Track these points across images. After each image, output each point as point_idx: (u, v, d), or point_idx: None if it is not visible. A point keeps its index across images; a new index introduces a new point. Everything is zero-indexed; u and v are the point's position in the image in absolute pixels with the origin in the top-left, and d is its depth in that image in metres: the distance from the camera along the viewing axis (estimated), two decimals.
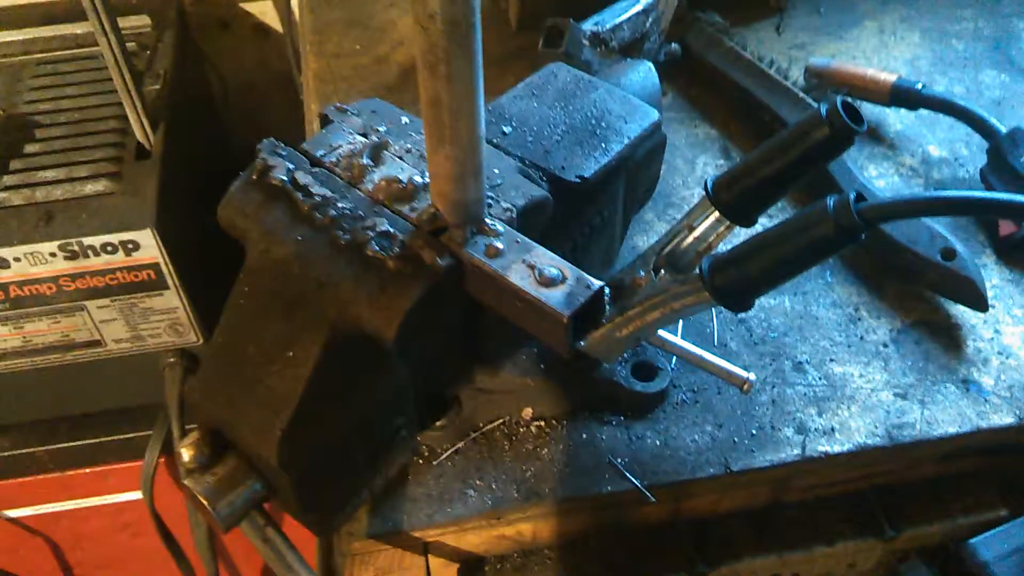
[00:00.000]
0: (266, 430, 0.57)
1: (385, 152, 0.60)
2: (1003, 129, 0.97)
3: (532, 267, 0.55)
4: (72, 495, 1.43)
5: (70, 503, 1.45)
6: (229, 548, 1.55)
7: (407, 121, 0.64)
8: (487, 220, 0.56)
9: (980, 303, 0.84)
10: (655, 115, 0.75)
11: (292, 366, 0.57)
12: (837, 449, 0.78)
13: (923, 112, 1.03)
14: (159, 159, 1.21)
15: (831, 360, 0.84)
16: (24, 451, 1.36)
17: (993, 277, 0.90)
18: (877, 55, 1.15)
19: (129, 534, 1.50)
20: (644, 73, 0.81)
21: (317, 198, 0.57)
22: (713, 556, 0.80)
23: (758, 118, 1.04)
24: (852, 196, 0.57)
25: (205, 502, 0.58)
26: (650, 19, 1.03)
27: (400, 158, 0.60)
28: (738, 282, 0.62)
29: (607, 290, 0.59)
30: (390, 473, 0.68)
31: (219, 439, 0.61)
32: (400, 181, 0.58)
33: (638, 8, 1.00)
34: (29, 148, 1.21)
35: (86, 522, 1.47)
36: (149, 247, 1.16)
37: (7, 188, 1.16)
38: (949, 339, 0.85)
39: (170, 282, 1.20)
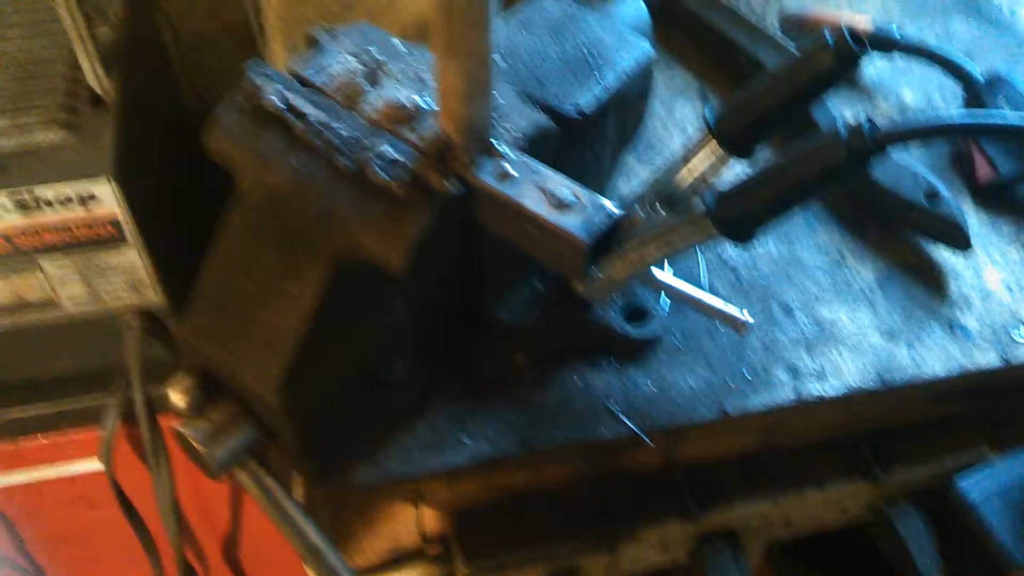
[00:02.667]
0: (265, 369, 0.54)
1: (381, 74, 0.57)
2: (980, 75, 0.97)
3: (545, 191, 0.53)
4: (24, 464, 1.37)
5: (22, 474, 1.39)
6: (192, 519, 1.51)
7: (401, 45, 0.61)
8: (496, 143, 0.54)
9: (964, 242, 0.85)
10: (649, 49, 0.74)
11: (292, 300, 0.54)
12: (829, 392, 0.77)
13: (897, 59, 1.04)
14: (115, 107, 1.15)
15: (819, 304, 0.84)
16: None
17: (972, 220, 0.90)
18: (848, 1, 1.15)
19: (86, 505, 1.45)
20: (635, 6, 0.79)
21: (314, 122, 0.54)
22: (706, 501, 0.80)
23: (735, 63, 1.03)
24: (865, 121, 0.56)
25: (200, 448, 0.55)
26: None
27: (398, 81, 0.57)
28: (744, 212, 0.61)
29: None
30: (389, 418, 0.66)
31: (211, 382, 0.58)
32: (402, 104, 0.55)
33: None
34: None
35: (40, 494, 1.41)
36: (107, 199, 1.11)
37: None
38: (933, 281, 0.86)
39: (130, 237, 1.15)
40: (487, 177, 0.53)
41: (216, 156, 0.56)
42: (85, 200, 1.10)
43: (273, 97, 0.55)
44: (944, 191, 0.86)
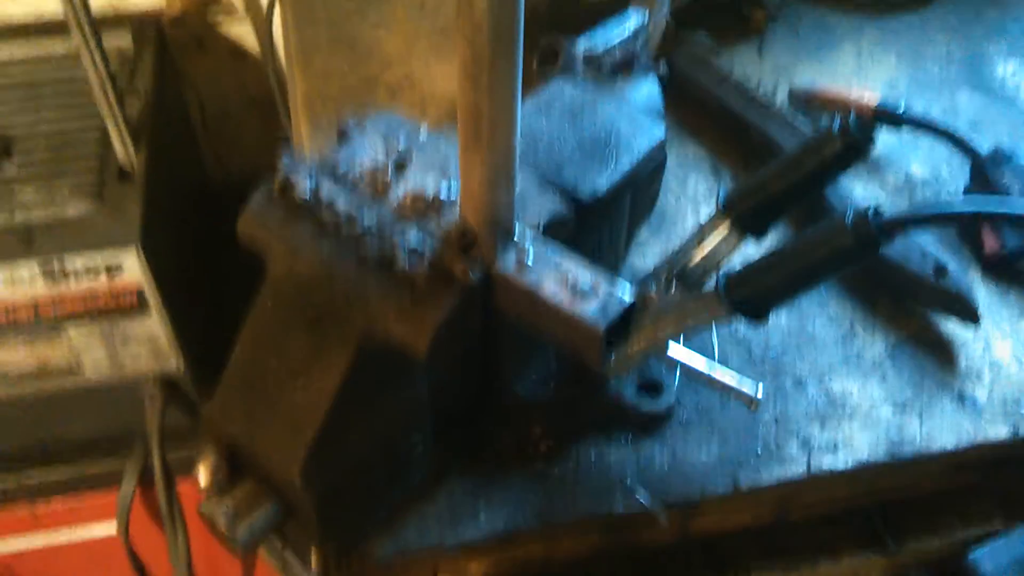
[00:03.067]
0: (289, 448, 0.56)
1: (408, 167, 0.60)
2: (983, 150, 1.00)
3: (563, 279, 0.55)
4: (42, 528, 1.38)
5: (39, 537, 1.40)
6: None
7: (425, 136, 0.64)
8: (516, 232, 0.56)
9: (971, 316, 0.86)
10: (661, 133, 0.76)
11: (318, 380, 0.56)
12: (841, 465, 0.78)
13: (904, 132, 1.06)
14: (142, 180, 1.19)
15: (830, 377, 0.85)
16: None
17: (981, 293, 0.92)
18: (856, 77, 1.18)
19: (100, 570, 1.45)
20: (648, 89, 0.82)
21: (342, 213, 0.56)
22: (722, 573, 0.80)
23: (746, 138, 1.06)
24: (871, 209, 0.58)
25: (224, 527, 0.57)
26: (640, 40, 1.05)
27: (422, 169, 0.60)
28: (756, 294, 0.62)
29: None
30: (406, 492, 0.67)
31: (234, 459, 0.60)
32: (426, 195, 0.57)
33: (630, 30, 1.01)
34: (7, 169, 1.18)
35: (56, 558, 1.42)
36: (132, 269, 1.14)
37: None
38: (943, 354, 0.87)
39: (153, 306, 1.17)
40: (507, 265, 0.55)
41: (249, 243, 0.58)
42: (111, 270, 1.13)
43: (305, 188, 0.57)
44: (952, 266, 0.88)
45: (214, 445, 0.59)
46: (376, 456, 0.62)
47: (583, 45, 0.95)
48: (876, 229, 0.57)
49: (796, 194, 0.68)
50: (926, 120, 1.03)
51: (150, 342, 1.21)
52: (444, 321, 0.53)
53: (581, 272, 0.56)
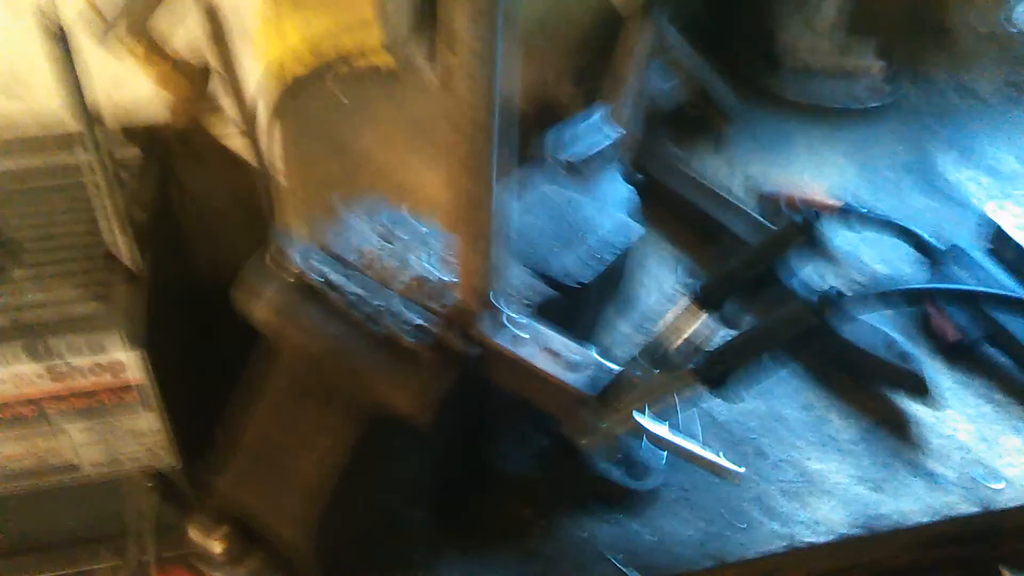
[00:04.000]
0: (300, 517, 0.60)
1: (410, 255, 0.66)
2: (940, 245, 1.07)
3: (555, 353, 0.60)
4: None
5: None
6: None
7: (424, 228, 0.70)
8: (510, 312, 0.62)
9: (923, 390, 0.92)
10: (639, 230, 0.83)
11: (328, 453, 0.60)
12: (821, 540, 0.82)
13: (865, 232, 1.14)
14: (146, 282, 1.24)
15: (807, 458, 0.89)
16: None
17: (946, 380, 0.97)
18: (809, 173, 1.26)
19: None
20: (624, 190, 0.90)
21: (352, 297, 0.62)
22: None
23: (716, 237, 1.13)
24: (833, 290, 0.65)
25: None
26: (614, 150, 1.13)
27: (423, 260, 0.66)
28: (729, 373, 0.68)
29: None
30: (405, 560, 0.70)
31: (243, 530, 0.63)
32: (428, 280, 0.63)
33: (606, 139, 1.10)
34: (15, 271, 1.23)
35: None
36: (134, 367, 1.17)
37: None
38: (912, 436, 0.92)
39: (152, 402, 1.21)
40: (502, 340, 0.60)
41: (262, 326, 0.63)
42: (113, 368, 1.17)
43: (317, 276, 0.63)
44: (905, 345, 0.94)
45: (224, 515, 0.63)
46: (380, 525, 0.65)
47: (558, 143, 1.03)
48: (837, 307, 0.63)
49: (761, 283, 0.74)
50: (888, 219, 1.11)
51: (147, 437, 1.24)
52: (446, 392, 0.58)
53: (570, 346, 0.61)
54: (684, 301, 0.76)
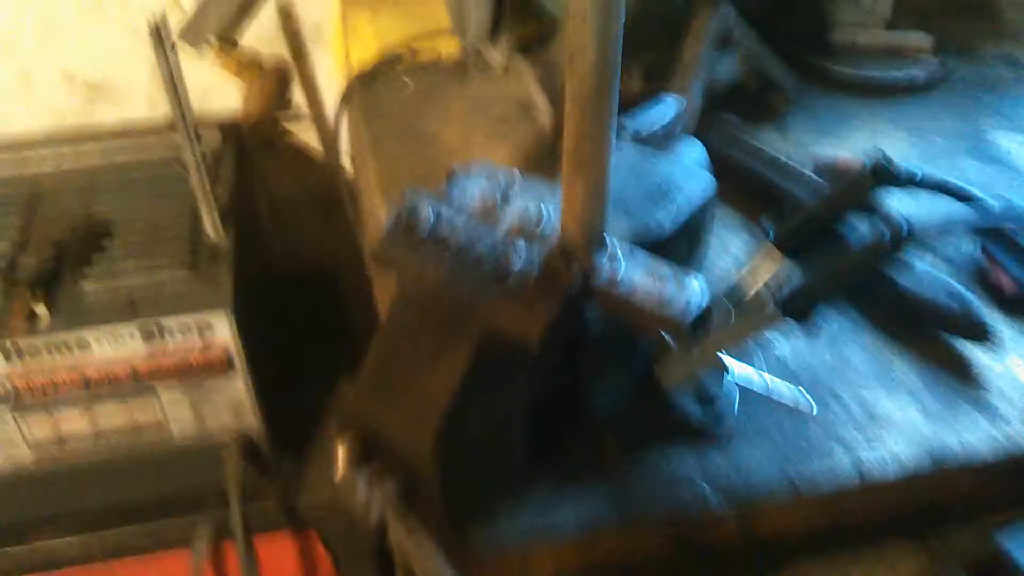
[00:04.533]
0: (420, 427, 0.66)
1: (511, 196, 0.72)
2: (995, 208, 1.11)
3: (651, 275, 0.66)
4: None
5: None
6: None
7: (519, 176, 0.77)
8: (608, 245, 0.68)
9: (983, 334, 0.96)
10: (712, 180, 0.88)
11: (444, 371, 0.66)
12: (890, 475, 0.87)
13: (920, 197, 1.18)
14: (229, 255, 1.32)
15: (876, 399, 0.94)
16: (72, 538, 1.38)
17: (1005, 329, 1.02)
18: (866, 149, 1.31)
19: None
20: (695, 150, 0.95)
21: (461, 236, 0.68)
22: (776, 567, 0.88)
23: (778, 204, 1.18)
24: (905, 223, 0.70)
25: (362, 494, 0.66)
26: (680, 122, 1.19)
27: (524, 202, 0.72)
28: (811, 307, 0.73)
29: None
30: (508, 486, 0.76)
31: (366, 444, 0.69)
32: (531, 217, 0.69)
33: (670, 115, 1.15)
34: (112, 248, 1.31)
35: None
36: (223, 330, 1.25)
37: (90, 278, 1.26)
38: (974, 377, 0.96)
39: (239, 365, 1.28)
40: (604, 271, 0.66)
41: (382, 262, 0.70)
42: (203, 330, 1.25)
43: (430, 217, 0.69)
44: (964, 292, 0.98)
45: (349, 427, 0.69)
46: (489, 443, 0.71)
47: (633, 127, 1.09)
48: (908, 234, 0.68)
49: (831, 228, 0.79)
50: (942, 181, 1.15)
51: (233, 400, 1.31)
52: (554, 318, 0.64)
53: (665, 272, 0.67)
54: (763, 247, 0.82)
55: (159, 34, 1.10)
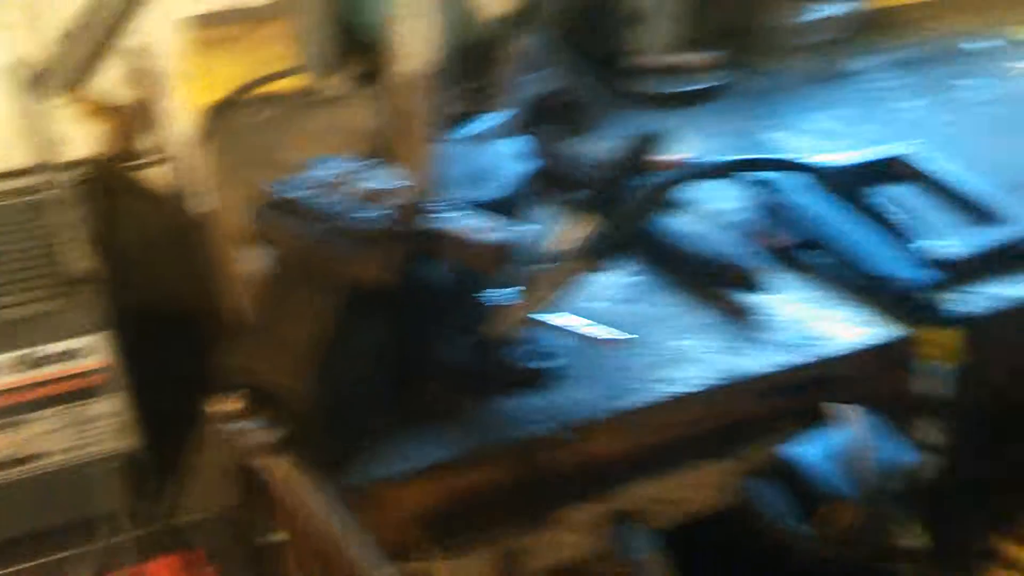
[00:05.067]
0: (296, 369, 0.80)
1: (360, 175, 0.88)
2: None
3: (480, 222, 0.83)
4: None
5: None
6: None
7: (371, 164, 0.92)
8: (444, 204, 0.85)
9: (751, 285, 1.18)
10: (530, 166, 1.07)
11: (313, 320, 0.80)
12: (693, 390, 1.07)
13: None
14: (97, 282, 1.40)
15: (677, 340, 1.14)
16: None
17: (780, 275, 1.24)
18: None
19: None
20: (519, 144, 1.14)
21: (321, 205, 0.83)
22: (607, 486, 1.06)
23: (581, 185, 1.38)
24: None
25: (258, 435, 0.79)
26: (502, 132, 1.38)
27: (378, 179, 0.88)
28: (615, 248, 0.92)
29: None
30: (374, 427, 0.91)
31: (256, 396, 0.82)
32: (384, 190, 0.85)
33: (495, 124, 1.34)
34: None
35: None
36: (99, 352, 1.33)
37: None
38: (753, 319, 1.18)
39: (116, 386, 1.36)
40: (438, 218, 0.83)
41: (260, 236, 0.84)
42: (80, 354, 1.32)
43: (292, 195, 0.84)
44: (733, 248, 1.21)
45: (237, 385, 0.82)
46: (356, 384, 0.85)
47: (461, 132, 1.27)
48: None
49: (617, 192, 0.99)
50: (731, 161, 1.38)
51: (112, 421, 1.38)
52: (400, 257, 0.80)
53: (489, 221, 0.84)
54: (571, 214, 1.00)
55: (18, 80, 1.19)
